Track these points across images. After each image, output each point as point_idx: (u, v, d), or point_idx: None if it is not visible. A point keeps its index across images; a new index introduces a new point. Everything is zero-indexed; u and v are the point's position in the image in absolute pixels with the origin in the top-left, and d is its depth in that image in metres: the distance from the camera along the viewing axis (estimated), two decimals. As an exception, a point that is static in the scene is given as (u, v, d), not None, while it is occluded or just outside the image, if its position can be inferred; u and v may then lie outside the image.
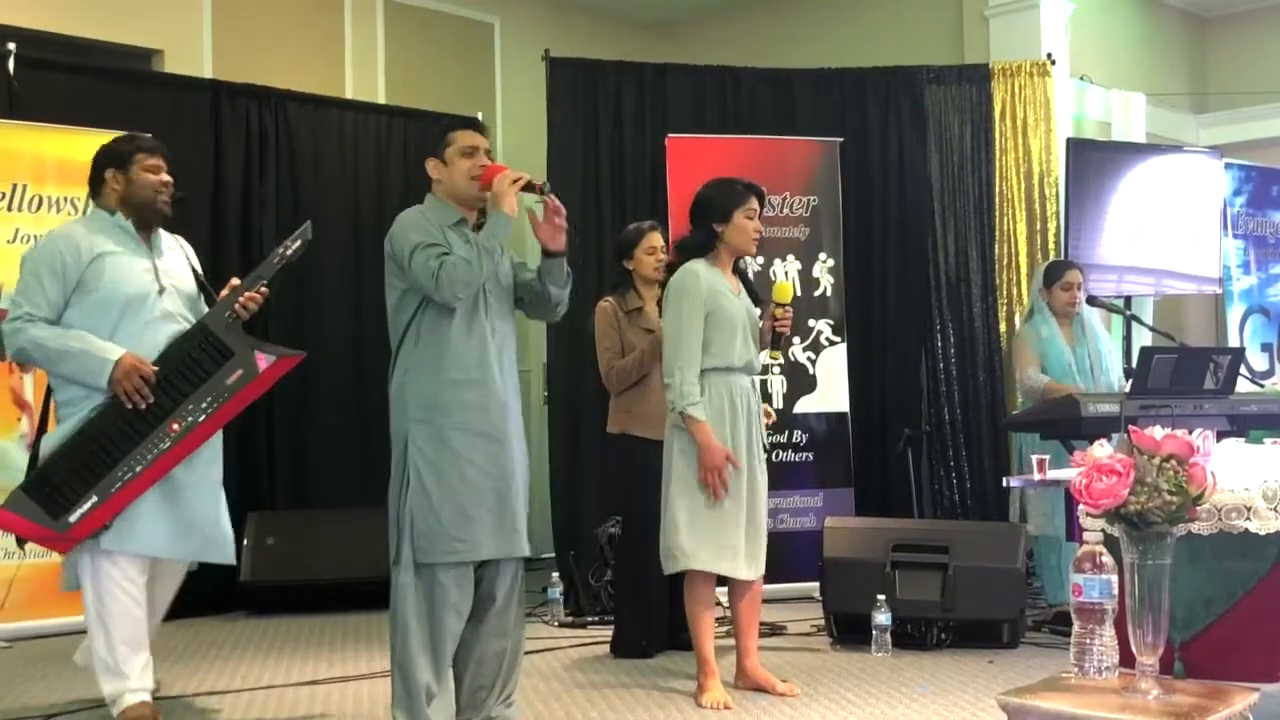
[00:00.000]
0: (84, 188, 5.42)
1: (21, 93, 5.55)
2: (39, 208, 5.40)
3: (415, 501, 3.39)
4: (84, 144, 5.47)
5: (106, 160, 3.86)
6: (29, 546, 3.92)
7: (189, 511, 3.75)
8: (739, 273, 4.24)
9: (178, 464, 3.71)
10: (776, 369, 5.98)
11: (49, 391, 3.85)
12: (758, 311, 4.21)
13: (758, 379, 4.24)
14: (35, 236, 5.37)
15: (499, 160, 7.84)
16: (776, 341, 4.19)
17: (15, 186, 5.36)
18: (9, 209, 5.35)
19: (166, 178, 3.85)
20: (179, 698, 4.18)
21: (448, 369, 3.44)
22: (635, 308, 4.81)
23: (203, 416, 3.72)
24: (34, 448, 3.82)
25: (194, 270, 3.99)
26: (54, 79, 5.68)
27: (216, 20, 6.64)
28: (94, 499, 3.61)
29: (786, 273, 6.10)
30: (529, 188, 3.48)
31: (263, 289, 3.83)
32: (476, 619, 3.50)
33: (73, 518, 3.60)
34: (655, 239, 4.85)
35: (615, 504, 5.14)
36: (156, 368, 3.66)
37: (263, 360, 3.79)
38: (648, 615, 4.73)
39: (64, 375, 3.68)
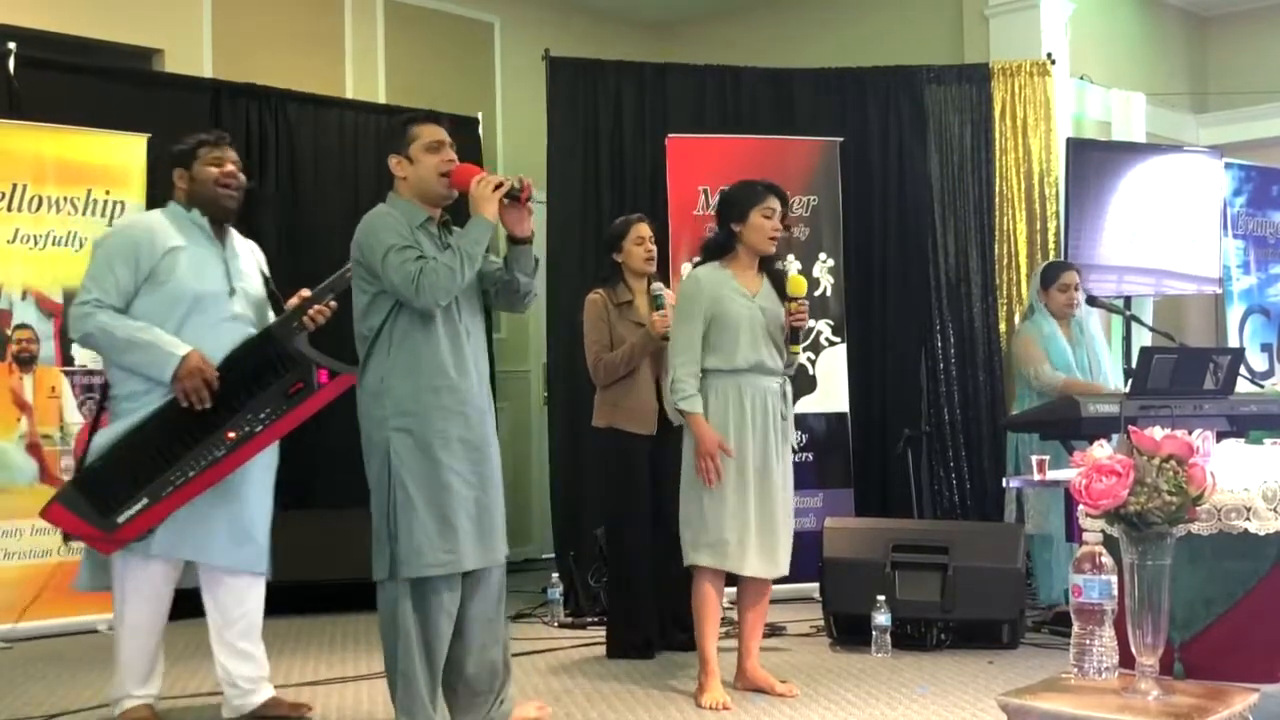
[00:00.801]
0: (84, 188, 5.50)
1: (21, 93, 5.55)
2: (39, 208, 5.40)
3: (401, 515, 3.33)
4: (84, 144, 5.51)
5: (172, 161, 3.82)
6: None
7: (235, 518, 3.71)
8: (771, 272, 4.22)
9: (230, 473, 3.65)
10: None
11: (105, 386, 3.79)
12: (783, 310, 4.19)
13: (779, 379, 4.17)
14: (35, 237, 5.39)
15: (498, 161, 7.88)
16: (795, 336, 4.14)
17: (15, 186, 5.35)
18: (9, 209, 5.34)
19: (230, 167, 3.78)
20: (179, 698, 4.17)
21: (426, 374, 3.38)
22: (625, 301, 4.80)
23: (260, 427, 3.67)
24: (85, 443, 3.77)
25: (264, 275, 3.95)
26: (54, 79, 5.68)
27: (216, 20, 6.63)
28: (144, 501, 3.55)
29: (787, 270, 6.09)
30: (512, 195, 3.40)
31: (331, 303, 3.76)
32: (467, 630, 3.47)
33: (121, 518, 3.54)
34: (643, 229, 4.84)
35: (604, 499, 5.10)
36: (219, 372, 3.60)
37: (324, 375, 3.73)
38: (637, 613, 4.72)
39: (127, 366, 3.62)
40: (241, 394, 3.64)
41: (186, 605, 3.89)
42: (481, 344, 3.56)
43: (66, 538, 3.76)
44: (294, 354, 3.69)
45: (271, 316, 3.87)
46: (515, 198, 3.42)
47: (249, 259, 3.91)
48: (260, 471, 3.79)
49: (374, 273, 3.39)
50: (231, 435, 3.62)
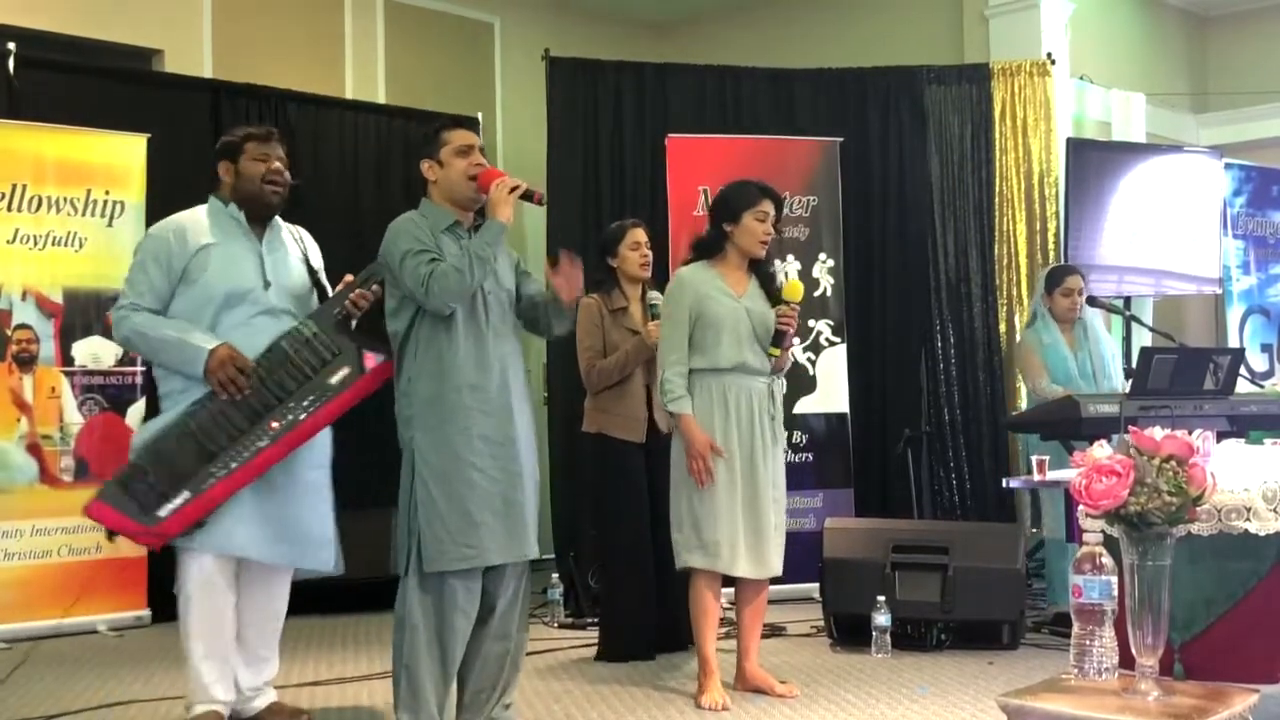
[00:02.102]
0: (83, 188, 5.50)
1: (21, 93, 5.54)
2: (39, 208, 5.39)
3: (423, 510, 3.38)
4: (84, 144, 5.50)
5: (220, 152, 3.80)
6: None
7: (284, 514, 3.66)
8: (760, 274, 4.21)
9: (277, 463, 3.60)
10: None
11: (154, 384, 3.77)
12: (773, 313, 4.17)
13: (767, 379, 4.14)
14: (35, 237, 5.38)
15: (498, 161, 7.87)
16: (778, 340, 4.10)
17: (15, 186, 5.35)
18: (9, 209, 5.34)
19: (276, 164, 3.77)
20: (179, 698, 4.17)
21: (448, 374, 3.42)
22: (620, 307, 4.79)
23: (304, 415, 3.60)
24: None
25: (308, 264, 3.90)
26: (54, 79, 5.67)
27: (216, 20, 6.64)
28: (186, 494, 3.49)
29: (787, 273, 6.08)
30: (526, 196, 3.47)
31: (375, 287, 3.70)
32: (480, 621, 3.50)
33: (163, 512, 3.48)
34: (638, 234, 4.83)
35: (595, 506, 5.10)
36: (253, 361, 3.56)
37: (371, 359, 3.66)
38: (626, 617, 4.71)
39: (164, 365, 3.64)
40: (286, 383, 3.61)
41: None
42: (512, 345, 3.58)
43: (110, 535, 3.70)
44: (336, 340, 3.66)
45: (316, 305, 3.83)
46: (529, 198, 3.49)
47: (292, 249, 3.87)
48: (303, 468, 3.71)
49: (396, 277, 3.46)
50: (275, 425, 3.57)
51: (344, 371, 3.65)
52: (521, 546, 3.49)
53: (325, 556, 3.80)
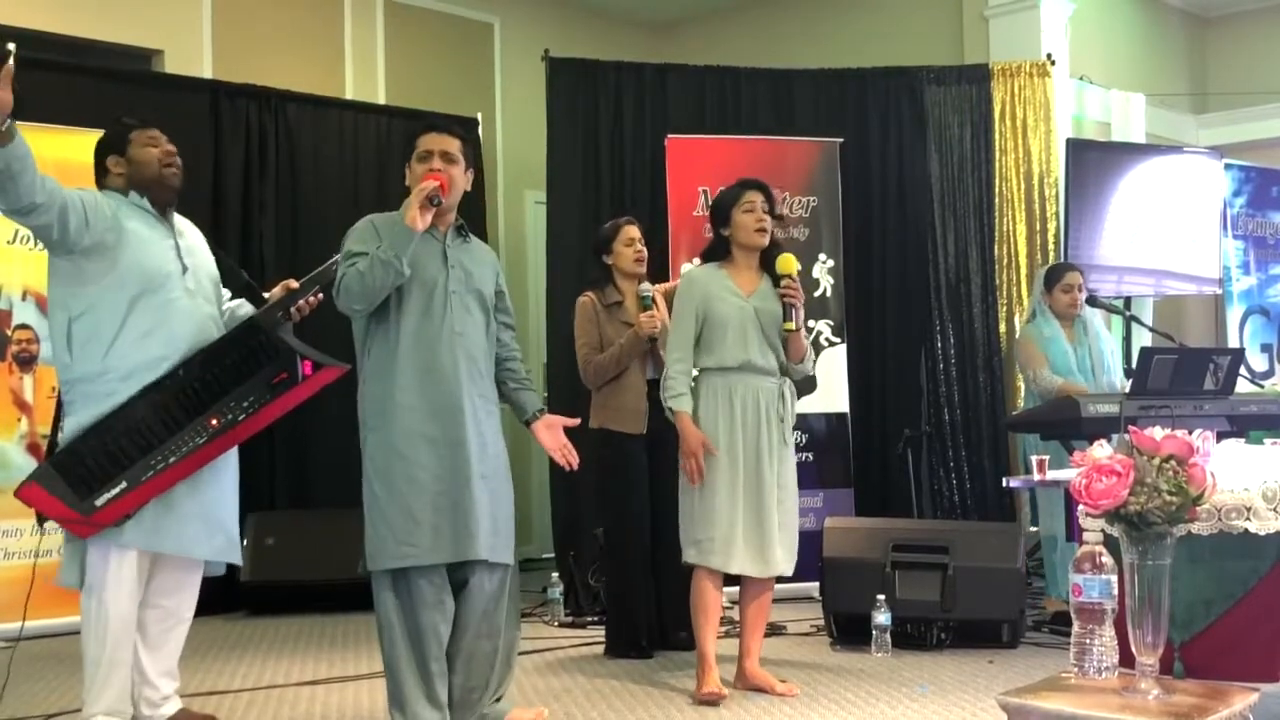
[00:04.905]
0: (83, 188, 5.47)
1: (21, 93, 5.52)
2: (39, 208, 5.37)
3: (370, 509, 3.46)
4: (84, 144, 5.43)
5: (104, 148, 3.71)
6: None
7: (214, 510, 3.62)
8: (773, 274, 4.17)
9: (210, 461, 3.57)
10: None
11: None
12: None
13: (777, 380, 4.16)
14: (35, 237, 5.36)
15: (498, 161, 7.85)
16: (787, 314, 4.09)
17: (15, 186, 5.33)
18: (9, 209, 5.33)
19: (169, 147, 3.68)
20: (190, 695, 4.17)
21: (393, 375, 3.45)
22: (614, 302, 4.82)
23: (243, 416, 3.58)
24: (53, 428, 3.66)
25: (220, 256, 3.85)
26: (54, 79, 5.67)
27: (216, 20, 6.64)
28: (124, 484, 3.43)
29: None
30: (431, 199, 3.38)
31: (319, 294, 3.68)
32: (464, 620, 3.49)
33: (99, 501, 3.42)
34: (632, 231, 4.87)
35: (600, 500, 5.11)
36: (193, 353, 3.51)
37: (308, 367, 3.66)
38: (633, 612, 4.73)
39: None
40: (226, 381, 3.55)
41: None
42: (474, 347, 3.54)
43: (41, 520, 3.59)
44: (279, 344, 3.63)
45: (226, 294, 3.81)
46: (435, 203, 3.39)
47: (196, 237, 3.79)
48: (224, 463, 3.67)
49: None
50: (214, 422, 3.54)
51: (283, 376, 3.64)
52: (466, 547, 3.42)
53: (234, 548, 3.73)
